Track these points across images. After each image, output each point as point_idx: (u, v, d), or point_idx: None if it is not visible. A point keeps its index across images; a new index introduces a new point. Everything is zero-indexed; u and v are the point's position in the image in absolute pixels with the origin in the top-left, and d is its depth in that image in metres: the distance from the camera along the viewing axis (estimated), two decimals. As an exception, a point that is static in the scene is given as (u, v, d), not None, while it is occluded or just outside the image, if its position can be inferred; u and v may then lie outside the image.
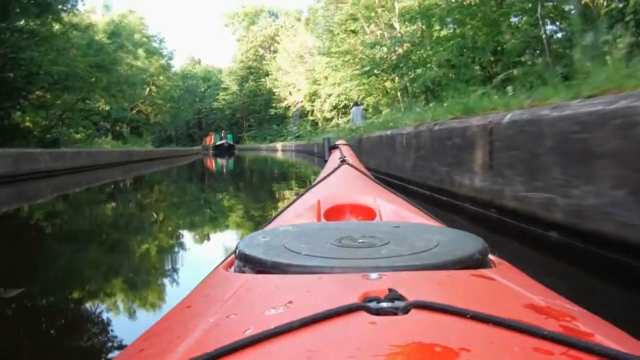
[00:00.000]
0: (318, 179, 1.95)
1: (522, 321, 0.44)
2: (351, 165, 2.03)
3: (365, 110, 19.44)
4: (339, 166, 2.01)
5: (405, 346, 0.40)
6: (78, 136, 20.39)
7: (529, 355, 0.40)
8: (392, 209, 1.33)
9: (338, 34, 19.81)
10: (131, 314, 2.19)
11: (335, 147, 2.54)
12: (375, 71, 17.53)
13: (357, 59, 19.01)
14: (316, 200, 1.39)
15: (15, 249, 3.56)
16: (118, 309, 2.23)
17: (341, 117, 26.24)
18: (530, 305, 0.53)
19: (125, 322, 2.07)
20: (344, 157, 2.16)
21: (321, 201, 1.38)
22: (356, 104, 18.33)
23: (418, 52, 15.95)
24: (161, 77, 36.38)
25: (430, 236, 0.80)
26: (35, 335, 1.80)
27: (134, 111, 33.07)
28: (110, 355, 1.65)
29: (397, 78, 17.33)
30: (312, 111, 33.35)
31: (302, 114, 36.57)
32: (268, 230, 0.91)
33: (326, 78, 25.60)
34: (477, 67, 12.88)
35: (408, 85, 16.04)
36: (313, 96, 30.48)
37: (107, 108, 23.08)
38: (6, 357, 1.62)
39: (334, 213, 1.34)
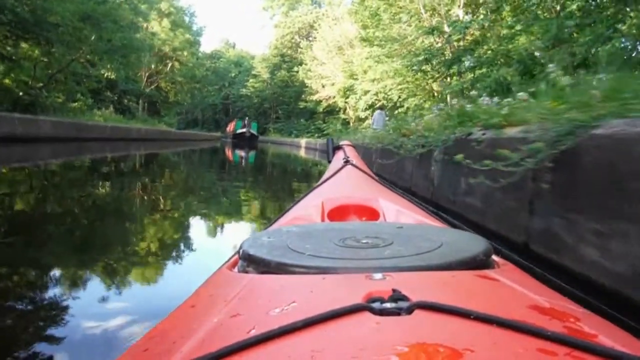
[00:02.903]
0: (322, 179, 1.92)
1: (526, 322, 0.44)
2: (355, 166, 2.04)
3: (405, 113, 16.44)
4: (342, 167, 2.01)
5: (409, 346, 0.39)
6: (75, 104, 17.78)
7: (533, 355, 0.40)
8: (395, 209, 1.33)
9: (384, 20, 16.58)
10: (135, 312, 1.88)
11: (339, 147, 2.54)
12: (426, 66, 14.36)
13: (405, 50, 15.82)
14: (320, 201, 1.39)
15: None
16: (121, 307, 1.95)
17: (376, 119, 23.17)
18: (534, 306, 0.53)
19: (129, 321, 1.78)
20: (348, 157, 2.15)
21: (325, 202, 1.39)
22: (380, 107, 16.83)
23: (485, 46, 12.81)
24: (185, 53, 33.52)
25: (434, 237, 0.80)
26: (36, 333, 1.64)
27: (152, 87, 30.45)
28: (113, 355, 1.09)
29: (449, 78, 14.23)
30: (345, 109, 30.21)
31: (333, 111, 33.45)
32: (272, 231, 0.90)
33: (365, 72, 22.45)
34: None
35: (465, 86, 12.84)
36: (348, 91, 27.25)
37: (112, 76, 20.25)
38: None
39: (338, 213, 1.33)
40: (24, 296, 2.06)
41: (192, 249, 3.12)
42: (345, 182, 1.81)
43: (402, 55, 15.70)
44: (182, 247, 3.25)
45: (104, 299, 1.95)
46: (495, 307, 0.48)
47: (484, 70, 12.28)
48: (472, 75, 12.72)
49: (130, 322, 1.74)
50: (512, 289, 0.59)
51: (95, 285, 2.18)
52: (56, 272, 2.43)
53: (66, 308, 1.83)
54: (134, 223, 3.89)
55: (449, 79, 14.46)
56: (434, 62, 13.81)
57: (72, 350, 1.54)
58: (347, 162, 2.07)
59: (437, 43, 14.05)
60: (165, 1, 33.03)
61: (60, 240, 3.07)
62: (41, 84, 15.42)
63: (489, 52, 12.52)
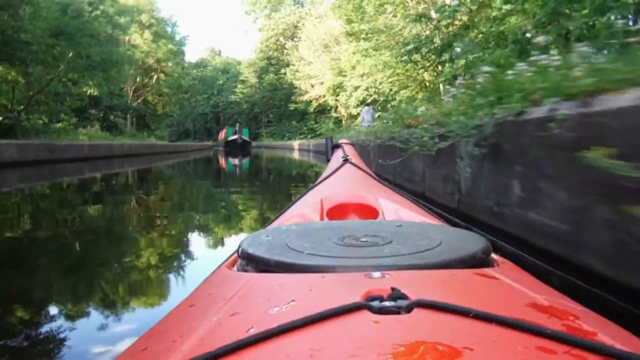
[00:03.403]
0: (321, 178, 1.93)
1: (525, 320, 0.44)
2: (354, 164, 2.03)
3: (398, 106, 16.07)
4: (341, 165, 2.00)
5: (408, 345, 0.39)
6: (59, 125, 17.25)
7: (532, 354, 0.40)
8: (395, 207, 1.32)
9: (369, 12, 16.13)
10: (133, 312, 1.99)
11: (338, 146, 2.51)
12: (415, 56, 13.93)
13: (393, 41, 15.39)
14: (319, 199, 1.38)
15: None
16: (119, 307, 2.05)
17: (368, 114, 22.68)
18: (533, 304, 0.52)
19: (127, 320, 1.88)
20: (347, 156, 2.13)
21: (324, 200, 1.37)
22: (368, 103, 16.63)
23: (475, 30, 12.39)
24: (169, 64, 32.94)
25: (433, 235, 0.79)
26: (37, 333, 1.69)
27: (139, 100, 29.88)
28: (112, 354, 1.48)
29: (439, 66, 13.82)
30: (336, 107, 29.76)
31: (324, 110, 32.99)
32: (271, 229, 0.89)
33: (354, 67, 22.01)
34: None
35: (458, 72, 12.42)
36: (337, 89, 26.78)
37: (95, 93, 19.67)
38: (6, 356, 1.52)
39: (337, 212, 1.33)
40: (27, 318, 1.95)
41: (193, 261, 3.02)
42: (344, 181, 1.80)
43: (390, 46, 15.27)
44: (183, 259, 3.18)
45: (105, 323, 1.89)
46: (494, 305, 0.47)
47: (476, 55, 11.87)
48: (465, 60, 12.30)
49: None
50: (511, 287, 0.59)
51: (97, 305, 2.13)
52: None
53: (67, 333, 1.74)
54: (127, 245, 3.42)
55: (440, 66, 14.05)
56: (424, 51, 13.37)
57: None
58: (346, 160, 2.06)
59: (425, 31, 13.62)
60: (146, 13, 32.47)
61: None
62: (21, 107, 14.91)
63: (480, 35, 12.11)
